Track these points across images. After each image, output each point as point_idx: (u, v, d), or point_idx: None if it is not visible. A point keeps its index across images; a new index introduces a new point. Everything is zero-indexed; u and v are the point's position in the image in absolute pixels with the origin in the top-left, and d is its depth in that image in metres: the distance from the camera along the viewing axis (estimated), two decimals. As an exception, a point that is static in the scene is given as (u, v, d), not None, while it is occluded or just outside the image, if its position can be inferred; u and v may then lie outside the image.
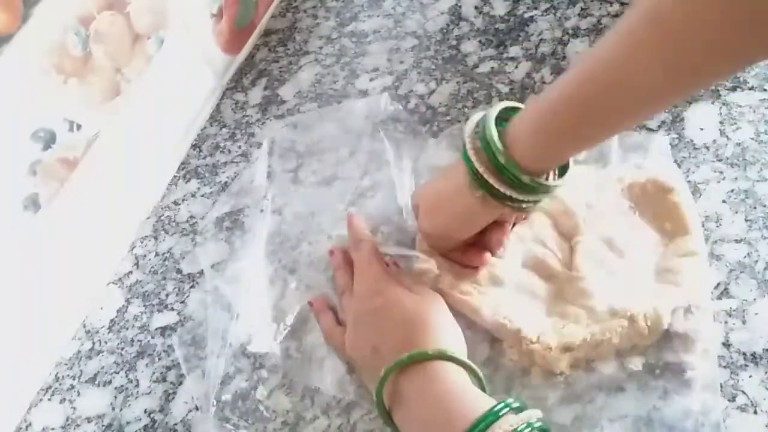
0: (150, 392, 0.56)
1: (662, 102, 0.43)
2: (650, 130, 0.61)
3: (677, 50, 0.37)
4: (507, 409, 0.40)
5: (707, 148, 0.59)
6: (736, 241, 0.54)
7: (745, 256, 0.53)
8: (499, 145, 0.45)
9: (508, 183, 0.46)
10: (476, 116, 0.49)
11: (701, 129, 0.60)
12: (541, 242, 0.55)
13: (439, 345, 0.46)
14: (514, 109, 0.48)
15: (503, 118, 0.48)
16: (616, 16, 0.72)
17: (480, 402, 0.42)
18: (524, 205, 0.48)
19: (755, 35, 0.35)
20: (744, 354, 0.48)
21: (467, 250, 0.54)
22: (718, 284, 0.52)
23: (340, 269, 0.57)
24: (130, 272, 0.64)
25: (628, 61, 0.39)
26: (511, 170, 0.45)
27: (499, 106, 0.48)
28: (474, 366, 0.46)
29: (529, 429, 0.39)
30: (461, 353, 0.47)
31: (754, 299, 0.51)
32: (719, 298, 0.51)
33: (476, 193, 0.47)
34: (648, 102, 0.41)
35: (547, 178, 0.48)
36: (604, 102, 0.41)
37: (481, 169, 0.46)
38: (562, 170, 0.49)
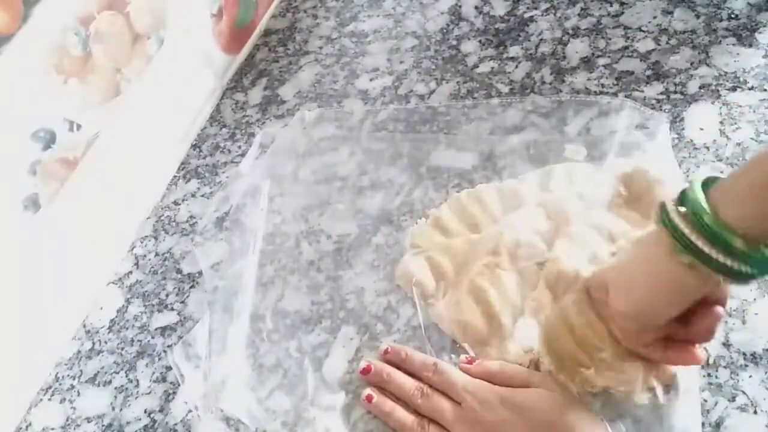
0: (150, 392, 0.56)
1: None
2: (647, 129, 0.61)
3: None
4: None
5: (707, 148, 0.59)
6: (736, 241, 0.54)
7: (745, 256, 0.53)
8: (704, 204, 0.39)
9: (719, 248, 0.39)
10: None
11: (701, 129, 0.60)
12: (533, 229, 0.55)
13: None
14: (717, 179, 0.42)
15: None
16: (616, 16, 0.72)
17: None
18: (741, 276, 0.40)
19: None
20: (744, 354, 0.48)
21: (669, 347, 0.46)
22: (718, 284, 0.52)
23: (392, 413, 0.50)
24: (130, 272, 0.64)
25: None
26: (720, 232, 0.39)
27: (703, 175, 0.42)
28: None
29: None
30: None
31: (754, 299, 0.51)
32: (719, 298, 0.51)
33: (683, 260, 0.40)
34: None
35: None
36: None
37: (686, 231, 0.40)
38: None
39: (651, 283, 0.43)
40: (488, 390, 0.48)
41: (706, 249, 0.39)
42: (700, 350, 0.46)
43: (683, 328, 0.45)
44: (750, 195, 0.39)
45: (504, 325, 0.52)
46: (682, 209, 0.41)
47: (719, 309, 0.44)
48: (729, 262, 0.39)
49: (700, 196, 0.40)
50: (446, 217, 0.59)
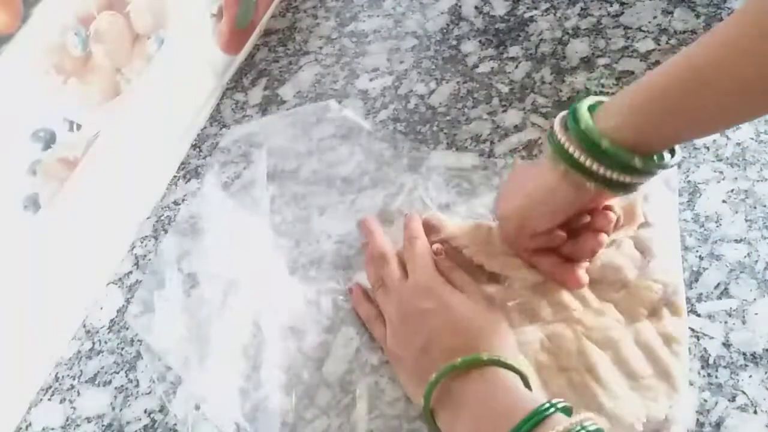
0: (150, 392, 0.56)
1: (746, 115, 0.43)
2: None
3: None
4: (553, 410, 0.40)
5: (707, 148, 0.59)
6: (736, 241, 0.54)
7: (745, 256, 0.53)
8: (581, 114, 0.45)
9: (590, 153, 0.45)
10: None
11: (701, 129, 0.60)
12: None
13: (494, 351, 0.46)
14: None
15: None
16: (616, 16, 0.72)
17: (528, 402, 0.41)
18: (610, 184, 0.45)
19: None
20: (744, 354, 0.48)
21: (556, 263, 0.52)
22: (718, 284, 0.52)
23: (370, 264, 0.56)
24: (130, 272, 0.64)
25: (725, 66, 0.39)
26: (592, 136, 0.44)
27: (590, 99, 0.47)
28: (524, 372, 0.45)
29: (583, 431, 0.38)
30: (513, 359, 0.46)
31: (754, 299, 0.51)
32: (719, 298, 0.51)
33: (558, 167, 0.46)
34: (736, 112, 0.42)
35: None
36: (693, 102, 0.41)
37: (563, 140, 0.46)
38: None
39: (530, 190, 0.50)
40: (426, 279, 0.51)
41: (577, 153, 0.45)
42: (581, 272, 0.51)
43: (569, 243, 0.51)
44: (628, 107, 0.44)
45: None
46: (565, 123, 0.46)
47: (602, 236, 0.50)
48: (596, 167, 0.44)
49: (583, 110, 0.45)
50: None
